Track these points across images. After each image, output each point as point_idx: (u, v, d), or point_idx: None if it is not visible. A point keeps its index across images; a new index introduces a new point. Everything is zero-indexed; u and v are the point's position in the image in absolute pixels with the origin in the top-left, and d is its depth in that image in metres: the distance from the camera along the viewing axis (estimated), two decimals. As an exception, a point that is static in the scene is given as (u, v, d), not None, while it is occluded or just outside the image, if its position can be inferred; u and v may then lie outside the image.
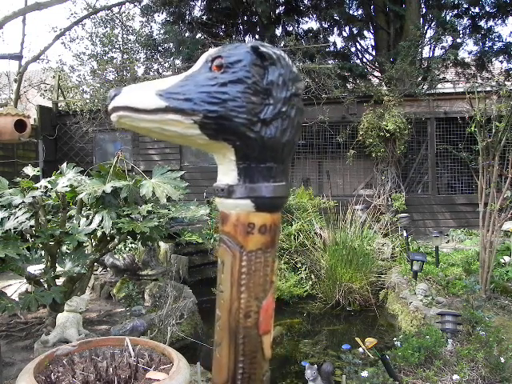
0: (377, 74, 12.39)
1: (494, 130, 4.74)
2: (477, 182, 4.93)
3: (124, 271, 5.22)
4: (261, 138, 0.63)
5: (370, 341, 4.38)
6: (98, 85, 10.62)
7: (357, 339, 4.45)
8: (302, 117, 0.67)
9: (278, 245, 0.68)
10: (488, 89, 8.50)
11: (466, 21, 12.10)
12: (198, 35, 12.41)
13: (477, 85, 9.00)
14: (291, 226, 6.94)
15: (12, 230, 3.41)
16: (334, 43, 12.88)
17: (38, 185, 3.77)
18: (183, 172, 3.78)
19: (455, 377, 2.85)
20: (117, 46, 12.01)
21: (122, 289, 4.95)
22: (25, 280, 4.16)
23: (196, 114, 0.62)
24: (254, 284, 0.64)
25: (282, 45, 11.43)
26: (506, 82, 11.55)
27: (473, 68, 12.15)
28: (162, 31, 12.73)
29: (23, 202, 3.48)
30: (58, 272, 3.65)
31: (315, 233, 6.79)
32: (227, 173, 0.66)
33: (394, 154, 8.50)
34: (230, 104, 0.62)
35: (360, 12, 12.67)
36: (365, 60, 13.01)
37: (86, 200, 3.46)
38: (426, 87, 9.30)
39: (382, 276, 6.15)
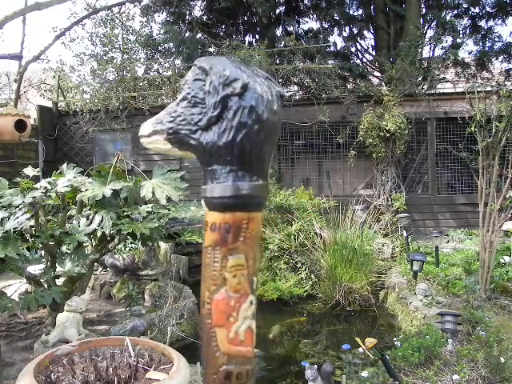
0: (377, 73, 12.39)
1: (494, 130, 4.74)
2: (477, 182, 4.93)
3: (124, 271, 5.22)
4: (201, 144, 0.70)
5: (370, 341, 4.39)
6: (98, 85, 10.61)
7: (357, 339, 4.46)
8: (251, 114, 0.67)
9: (237, 243, 0.69)
10: (488, 89, 8.51)
11: (466, 21, 12.11)
12: (198, 35, 12.41)
13: (477, 85, 9.00)
14: (291, 226, 6.93)
15: (12, 230, 3.41)
16: (334, 43, 12.88)
17: (37, 185, 3.77)
18: (183, 172, 3.78)
19: (455, 377, 2.86)
20: (117, 46, 11.98)
21: (122, 289, 4.95)
22: (25, 280, 4.16)
23: (163, 133, 0.75)
24: (206, 277, 0.71)
25: (282, 45, 11.44)
26: (506, 82, 11.56)
27: (473, 68, 12.15)
28: (162, 31, 12.73)
29: (23, 202, 3.48)
30: (58, 272, 3.65)
31: (315, 233, 6.78)
32: None
33: (393, 154, 8.50)
34: (178, 119, 0.73)
35: (360, 12, 12.68)
36: (365, 60, 13.02)
37: (86, 200, 3.46)
38: (426, 87, 9.30)
39: (382, 276, 6.15)
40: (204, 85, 0.71)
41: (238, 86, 0.68)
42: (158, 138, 0.76)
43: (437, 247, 5.98)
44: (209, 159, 0.70)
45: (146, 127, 0.79)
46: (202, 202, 0.72)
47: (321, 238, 6.65)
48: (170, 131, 0.73)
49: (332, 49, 12.54)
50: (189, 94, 0.72)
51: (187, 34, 12.54)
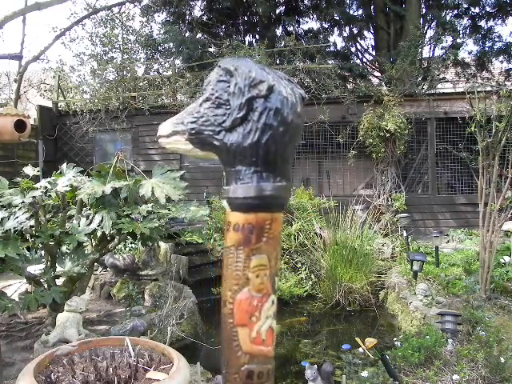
0: (377, 73, 12.39)
1: (494, 130, 4.74)
2: (477, 182, 4.93)
3: (124, 271, 5.22)
4: (224, 145, 0.70)
5: (370, 341, 4.39)
6: (98, 85, 10.61)
7: (357, 339, 4.46)
8: (277, 116, 0.68)
9: (260, 244, 0.70)
10: (488, 89, 8.50)
11: (465, 21, 12.11)
12: (198, 35, 12.41)
13: (477, 85, 9.00)
14: (291, 226, 6.93)
15: (12, 230, 3.41)
16: (334, 43, 12.89)
17: (37, 185, 3.77)
18: (183, 172, 3.78)
19: (455, 377, 2.86)
20: (117, 46, 11.96)
21: (122, 289, 4.95)
22: (25, 280, 4.16)
23: (184, 133, 0.74)
24: (228, 276, 0.71)
25: (282, 45, 11.44)
26: (506, 82, 11.56)
27: (473, 68, 12.15)
28: (162, 31, 12.73)
29: (23, 202, 3.48)
30: (58, 272, 3.65)
31: (315, 233, 6.79)
32: None
33: (393, 154, 8.50)
34: (200, 120, 0.73)
35: (360, 12, 12.68)
36: (365, 60, 13.02)
37: (85, 200, 3.46)
38: (426, 87, 9.30)
39: (382, 276, 6.15)
40: (228, 86, 0.71)
41: (263, 88, 0.68)
42: (179, 139, 0.76)
43: (437, 247, 5.98)
44: (233, 160, 0.70)
45: (165, 128, 0.78)
46: (224, 202, 0.72)
47: (321, 237, 6.65)
48: (193, 132, 0.74)
49: (332, 49, 12.54)
50: (212, 94, 0.72)
51: (187, 34, 12.54)
